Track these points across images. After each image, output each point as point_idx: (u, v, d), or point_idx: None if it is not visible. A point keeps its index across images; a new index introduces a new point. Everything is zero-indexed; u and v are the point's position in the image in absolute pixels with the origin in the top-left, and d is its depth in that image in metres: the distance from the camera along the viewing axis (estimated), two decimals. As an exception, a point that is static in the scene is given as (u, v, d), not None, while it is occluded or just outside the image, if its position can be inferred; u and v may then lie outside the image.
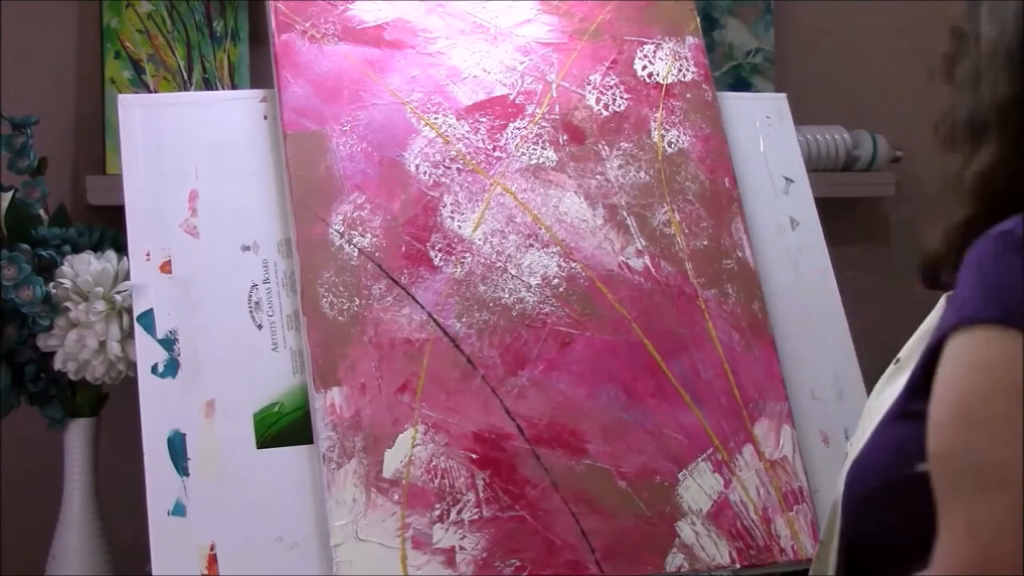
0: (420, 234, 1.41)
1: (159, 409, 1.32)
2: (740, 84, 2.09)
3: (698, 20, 1.61)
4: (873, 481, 0.99)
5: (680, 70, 1.57)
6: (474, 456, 1.34)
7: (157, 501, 1.29)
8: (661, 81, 1.56)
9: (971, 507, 0.86)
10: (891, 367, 1.11)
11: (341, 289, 1.37)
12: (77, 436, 1.54)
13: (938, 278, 1.04)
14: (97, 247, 1.53)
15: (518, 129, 1.49)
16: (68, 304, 1.47)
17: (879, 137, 2.13)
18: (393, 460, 1.32)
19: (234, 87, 1.83)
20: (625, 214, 1.48)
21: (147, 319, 1.36)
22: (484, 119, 1.48)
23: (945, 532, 0.88)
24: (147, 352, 1.35)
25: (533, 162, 1.48)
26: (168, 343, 1.35)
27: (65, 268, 1.49)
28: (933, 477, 0.90)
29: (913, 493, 0.94)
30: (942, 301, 1.09)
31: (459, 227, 1.43)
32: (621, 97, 1.54)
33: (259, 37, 1.81)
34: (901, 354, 1.11)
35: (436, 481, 1.32)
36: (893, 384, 1.09)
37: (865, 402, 1.49)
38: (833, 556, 1.04)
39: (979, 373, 0.88)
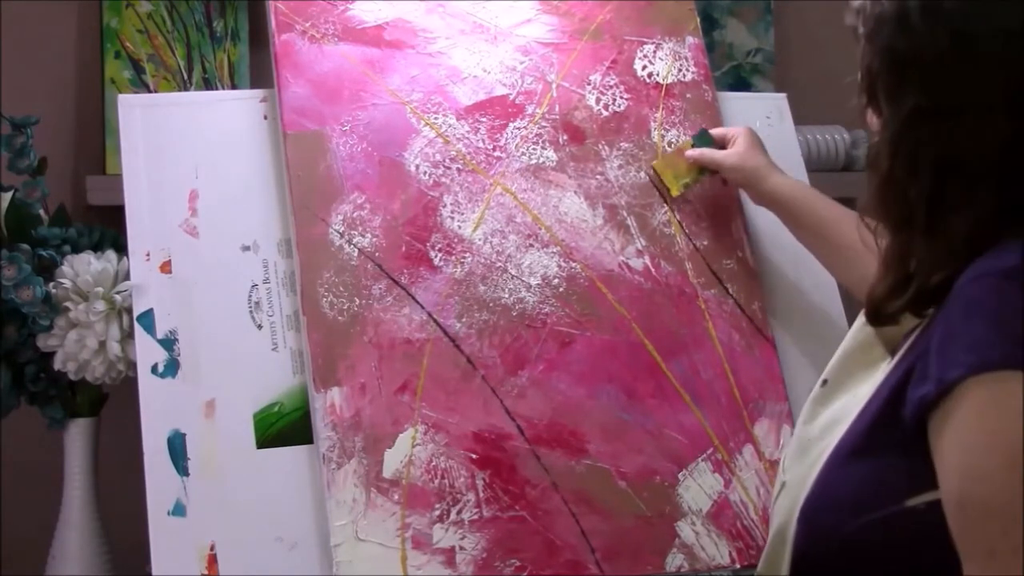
0: (420, 234, 1.41)
1: (159, 409, 1.32)
2: (740, 84, 2.09)
3: (698, 20, 1.61)
4: (858, 519, 0.98)
5: (680, 70, 1.57)
6: (474, 456, 1.34)
7: (157, 501, 1.29)
8: (661, 81, 1.56)
9: (1016, 555, 0.85)
10: (817, 389, 1.10)
11: (341, 289, 1.37)
12: (77, 436, 1.54)
13: (885, 316, 1.02)
14: (97, 247, 1.53)
15: (518, 129, 1.49)
16: (68, 304, 1.46)
17: (879, 137, 2.13)
18: (393, 460, 1.32)
19: (234, 87, 1.83)
20: (625, 214, 1.48)
21: (147, 319, 1.36)
22: (484, 119, 1.48)
23: None
24: (147, 352, 1.35)
25: (533, 162, 1.48)
26: (168, 343, 1.35)
27: (65, 268, 1.48)
28: (967, 523, 0.89)
29: (905, 528, 0.94)
30: (862, 318, 1.07)
31: (459, 227, 1.43)
32: (621, 97, 1.54)
33: (259, 37, 1.81)
34: (827, 375, 1.10)
35: (436, 481, 1.32)
36: (826, 408, 1.07)
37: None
38: None
39: (1020, 420, 0.87)
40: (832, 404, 1.07)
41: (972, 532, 0.89)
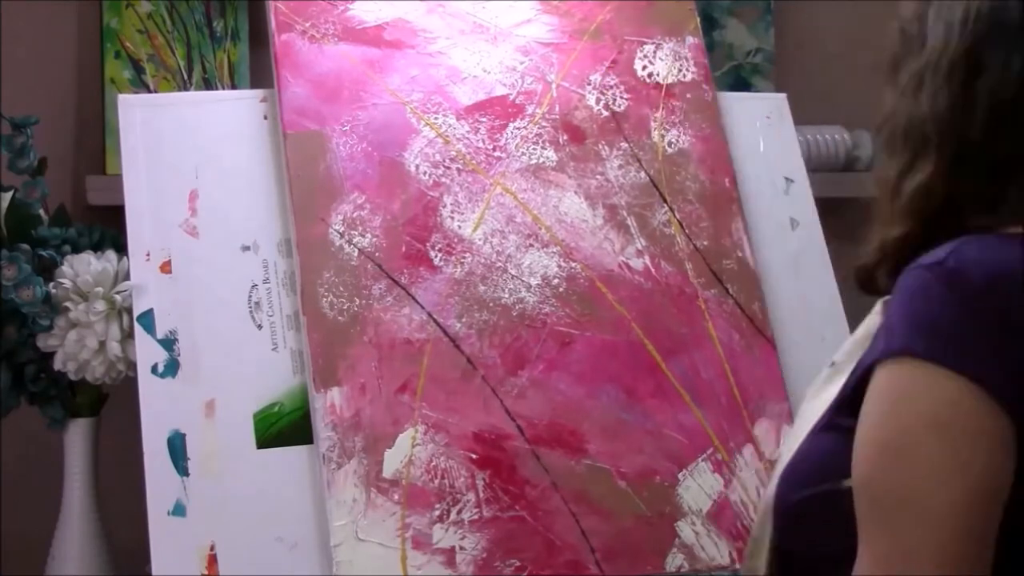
0: (420, 234, 1.41)
1: (159, 409, 1.32)
2: (740, 84, 2.09)
3: (698, 20, 1.61)
4: (803, 491, 0.99)
5: (680, 70, 1.57)
6: (474, 456, 1.34)
7: (157, 501, 1.29)
8: (661, 81, 1.56)
9: (886, 537, 0.88)
10: (826, 370, 1.10)
11: (341, 289, 1.37)
12: (77, 436, 1.54)
13: (874, 285, 1.04)
14: (97, 247, 1.53)
15: (518, 129, 1.49)
16: (68, 304, 1.47)
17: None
18: (393, 460, 1.32)
19: (234, 87, 1.83)
20: (625, 214, 1.48)
21: (147, 319, 1.36)
22: (484, 119, 1.48)
23: (862, 557, 0.90)
24: (147, 352, 1.35)
25: (533, 162, 1.48)
26: (168, 343, 1.35)
27: (65, 268, 1.49)
28: (856, 501, 0.91)
29: (841, 507, 0.95)
30: (878, 306, 1.08)
31: (459, 227, 1.43)
32: (621, 97, 1.54)
33: (259, 37, 1.81)
34: (836, 357, 1.10)
35: (436, 481, 1.32)
36: (828, 389, 1.08)
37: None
38: (765, 556, 1.04)
39: (904, 406, 0.89)
40: (834, 384, 1.08)
41: (860, 515, 0.91)
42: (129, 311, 1.43)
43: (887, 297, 1.06)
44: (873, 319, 1.10)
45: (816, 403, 1.08)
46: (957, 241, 0.93)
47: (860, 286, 1.07)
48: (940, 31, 0.99)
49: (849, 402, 0.97)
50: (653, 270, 1.46)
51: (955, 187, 0.97)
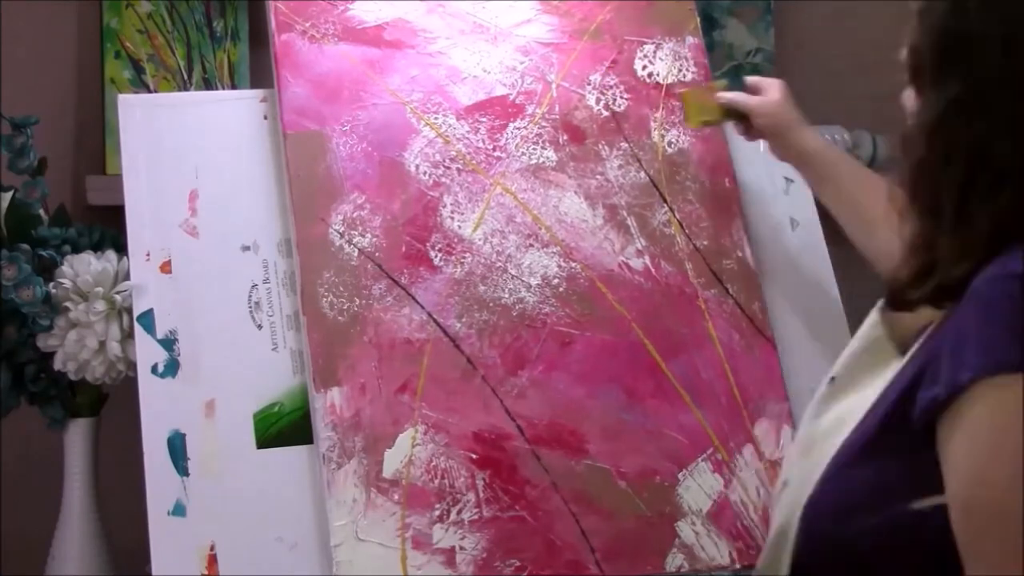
0: (420, 234, 1.41)
1: (159, 409, 1.32)
2: (740, 84, 2.09)
3: (698, 20, 1.61)
4: (857, 522, 0.96)
5: (680, 70, 1.57)
6: (474, 456, 1.34)
7: (157, 501, 1.29)
8: (661, 81, 1.56)
9: (1004, 561, 0.85)
10: (825, 386, 1.08)
11: (341, 289, 1.37)
12: (77, 436, 1.54)
13: (904, 302, 1.01)
14: (97, 247, 1.53)
15: (518, 129, 1.49)
16: (68, 304, 1.47)
17: (879, 137, 2.13)
18: (393, 460, 1.32)
19: (234, 87, 1.83)
20: (625, 214, 1.48)
21: (147, 319, 1.36)
22: (484, 119, 1.48)
23: None
24: (147, 352, 1.35)
25: (533, 162, 1.48)
26: (168, 343, 1.35)
27: (65, 268, 1.49)
28: (972, 528, 0.88)
29: (910, 532, 0.93)
30: (875, 316, 1.06)
31: (459, 227, 1.43)
32: (621, 97, 1.54)
33: (259, 37, 1.81)
34: (836, 372, 1.08)
35: (436, 481, 1.32)
36: (833, 406, 1.06)
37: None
38: None
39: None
40: (839, 402, 1.06)
41: (976, 537, 0.88)
42: (129, 311, 1.43)
43: (880, 304, 1.04)
44: (871, 330, 1.08)
45: (821, 423, 1.05)
46: (1017, 251, 0.90)
47: (893, 303, 1.03)
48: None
49: (899, 421, 0.95)
50: (653, 270, 1.46)
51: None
